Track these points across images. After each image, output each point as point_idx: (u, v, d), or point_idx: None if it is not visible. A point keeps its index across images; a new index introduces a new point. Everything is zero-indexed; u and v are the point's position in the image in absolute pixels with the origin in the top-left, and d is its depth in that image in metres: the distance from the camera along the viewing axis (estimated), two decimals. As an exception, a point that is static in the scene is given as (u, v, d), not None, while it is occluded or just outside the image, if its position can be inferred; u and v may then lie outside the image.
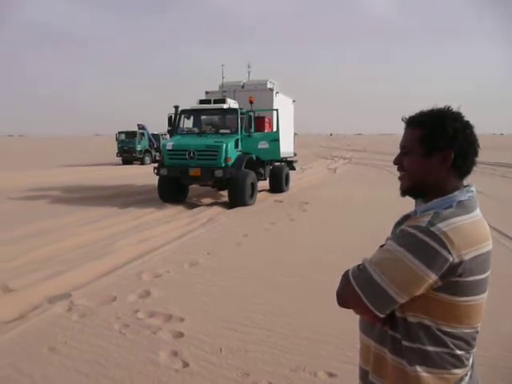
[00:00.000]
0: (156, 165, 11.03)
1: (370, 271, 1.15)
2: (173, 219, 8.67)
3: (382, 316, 1.16)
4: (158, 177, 10.73)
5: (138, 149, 26.23)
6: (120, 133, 26.87)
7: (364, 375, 1.34)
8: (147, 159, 26.18)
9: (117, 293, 4.39)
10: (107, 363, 3.02)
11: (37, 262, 5.54)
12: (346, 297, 1.21)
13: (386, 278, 1.11)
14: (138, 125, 27.50)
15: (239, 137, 10.51)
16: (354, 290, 1.16)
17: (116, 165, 25.18)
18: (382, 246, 1.24)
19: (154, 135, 27.12)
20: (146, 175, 14.81)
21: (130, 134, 26.55)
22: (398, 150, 1.30)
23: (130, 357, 3.10)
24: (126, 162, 26.21)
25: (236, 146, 10.35)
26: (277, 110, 10.98)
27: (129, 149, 26.15)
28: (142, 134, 26.78)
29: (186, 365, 2.99)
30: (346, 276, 1.22)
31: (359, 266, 1.20)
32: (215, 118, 11.31)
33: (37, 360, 3.06)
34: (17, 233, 7.08)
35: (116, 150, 26.97)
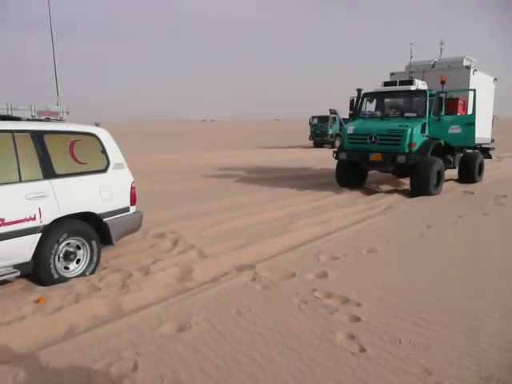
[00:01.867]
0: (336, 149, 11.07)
1: None
2: (350, 204, 8.61)
3: None
4: (336, 161, 10.76)
5: (330, 133, 27.53)
6: (313, 117, 28.60)
7: None
8: (337, 143, 26.98)
9: (296, 270, 4.58)
10: (286, 334, 3.18)
11: (227, 233, 6.20)
12: None
13: None
14: (330, 109, 28.77)
15: (426, 120, 9.74)
16: None
17: (306, 147, 26.43)
18: None
19: (344, 119, 27.73)
20: (327, 159, 14.96)
21: (323, 119, 27.95)
22: None
23: (307, 332, 3.20)
24: (317, 144, 27.64)
25: (422, 130, 9.63)
26: (474, 90, 9.80)
27: (321, 132, 27.68)
28: (334, 119, 27.96)
29: (362, 350, 2.94)
30: None
31: None
32: (400, 101, 10.70)
33: (226, 320, 3.41)
34: (211, 206, 8.05)
35: (308, 134, 28.75)
